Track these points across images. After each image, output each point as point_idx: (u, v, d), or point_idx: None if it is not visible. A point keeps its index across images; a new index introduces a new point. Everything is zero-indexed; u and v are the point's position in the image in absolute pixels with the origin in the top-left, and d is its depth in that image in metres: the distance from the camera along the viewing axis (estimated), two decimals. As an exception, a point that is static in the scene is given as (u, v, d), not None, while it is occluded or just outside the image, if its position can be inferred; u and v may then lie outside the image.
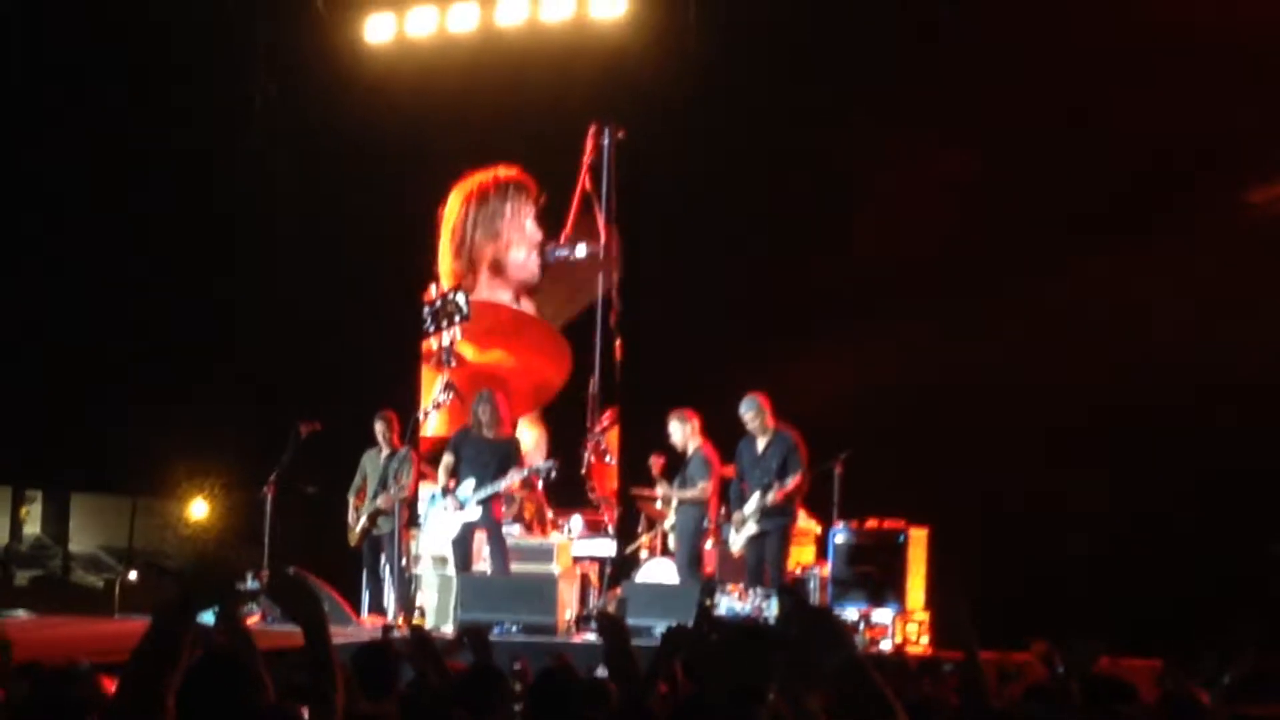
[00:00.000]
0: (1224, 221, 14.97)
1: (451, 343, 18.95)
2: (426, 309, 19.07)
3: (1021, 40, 15.51)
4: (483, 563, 15.42)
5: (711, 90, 16.81)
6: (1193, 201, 14.99)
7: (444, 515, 15.45)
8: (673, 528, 15.26)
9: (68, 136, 19.14)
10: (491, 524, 15.26)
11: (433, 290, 19.11)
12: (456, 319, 18.98)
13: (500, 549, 15.24)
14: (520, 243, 18.96)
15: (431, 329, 19.03)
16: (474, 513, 15.24)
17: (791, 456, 14.36)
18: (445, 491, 15.43)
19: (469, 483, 15.25)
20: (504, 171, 18.97)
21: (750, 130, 16.80)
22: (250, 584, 15.15)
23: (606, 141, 18.04)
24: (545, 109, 17.87)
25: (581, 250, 18.41)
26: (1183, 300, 14.61)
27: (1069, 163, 15.47)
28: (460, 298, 18.98)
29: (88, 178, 19.29)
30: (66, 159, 19.22)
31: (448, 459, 15.52)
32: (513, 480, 15.37)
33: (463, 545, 15.34)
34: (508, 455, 15.36)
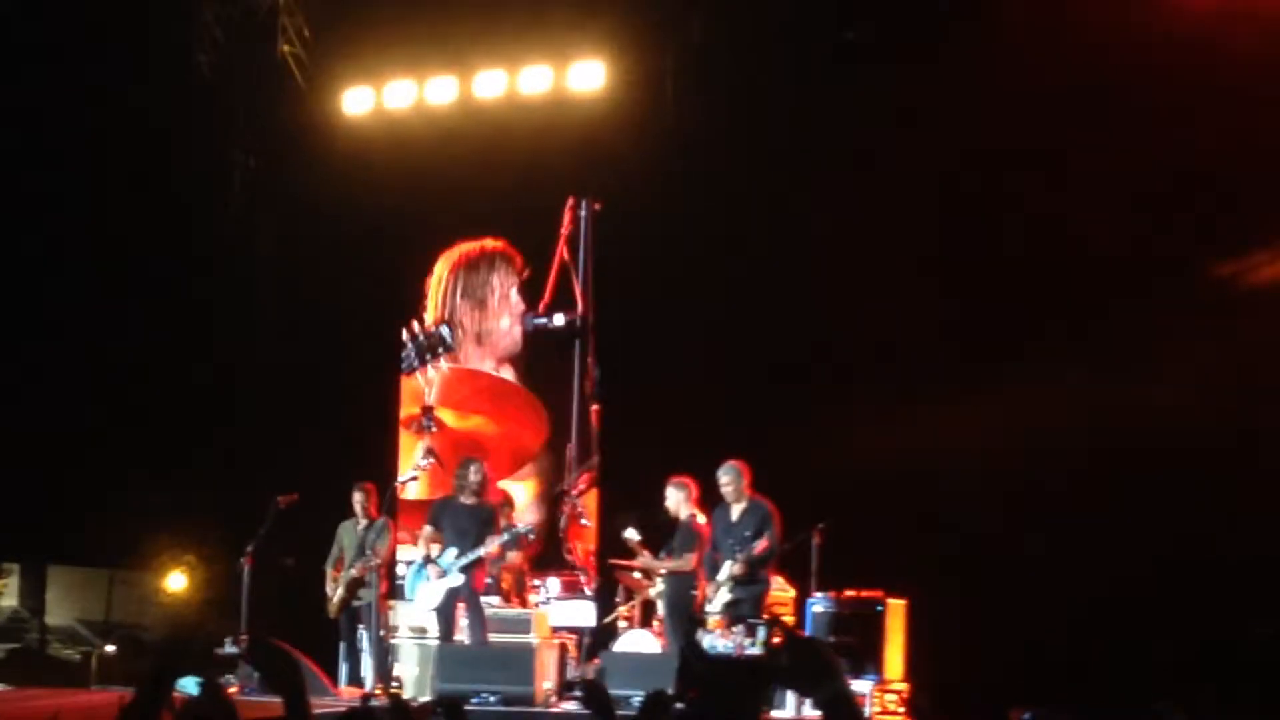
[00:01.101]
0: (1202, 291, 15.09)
1: (432, 408, 18.99)
2: (409, 345, 19.12)
3: (1010, 104, 15.64)
4: (462, 632, 15.40)
5: (689, 161, 16.94)
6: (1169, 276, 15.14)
7: (428, 584, 15.44)
8: (660, 595, 15.23)
9: (46, 216, 19.18)
10: (471, 594, 15.25)
11: (415, 325, 19.15)
12: (440, 351, 19.06)
13: (479, 619, 15.22)
14: (505, 313, 19.05)
15: (416, 364, 19.09)
16: (456, 580, 15.23)
17: (766, 525, 14.36)
18: (427, 560, 15.42)
19: (451, 550, 15.25)
20: (490, 243, 19.07)
21: (727, 201, 16.92)
22: (230, 649, 15.13)
23: (584, 213, 18.12)
24: (523, 180, 17.97)
25: (559, 319, 18.46)
26: (1164, 368, 14.68)
27: (1058, 227, 15.58)
28: (444, 330, 19.06)
29: (64, 252, 19.31)
30: (46, 236, 19.26)
31: (428, 529, 15.54)
32: (493, 546, 15.36)
33: (446, 613, 15.31)
34: (487, 521, 15.38)
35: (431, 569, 15.32)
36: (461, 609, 15.37)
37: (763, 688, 3.77)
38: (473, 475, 15.50)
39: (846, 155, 16.22)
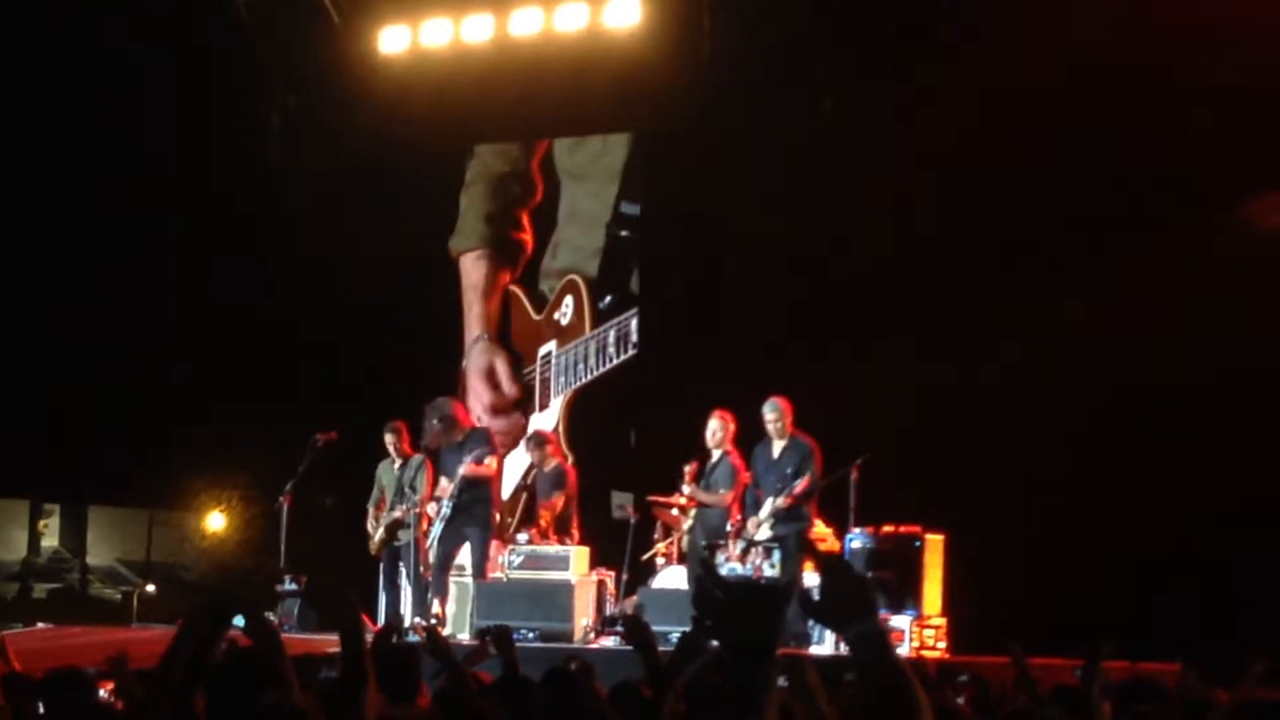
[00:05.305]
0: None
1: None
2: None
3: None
4: (498, 571, 15.50)
5: (726, 97, 16.87)
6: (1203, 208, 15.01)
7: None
8: (690, 530, 15.24)
9: (86, 162, 19.20)
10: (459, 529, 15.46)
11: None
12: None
13: (442, 552, 15.45)
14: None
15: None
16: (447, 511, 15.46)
17: (806, 462, 14.38)
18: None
19: (445, 486, 15.48)
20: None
21: (765, 137, 16.85)
22: (289, 586, 15.24)
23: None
24: (560, 117, 17.95)
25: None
26: (1208, 305, 14.58)
27: (1090, 166, 15.48)
28: None
29: (104, 196, 19.35)
30: (85, 181, 19.29)
31: (443, 481, 15.73)
32: (467, 468, 15.44)
33: (473, 558, 15.55)
34: (471, 454, 15.50)
35: (434, 507, 15.54)
36: (494, 548, 15.52)
37: (780, 611, 3.68)
38: (433, 425, 15.67)
39: (887, 87, 16.12)
